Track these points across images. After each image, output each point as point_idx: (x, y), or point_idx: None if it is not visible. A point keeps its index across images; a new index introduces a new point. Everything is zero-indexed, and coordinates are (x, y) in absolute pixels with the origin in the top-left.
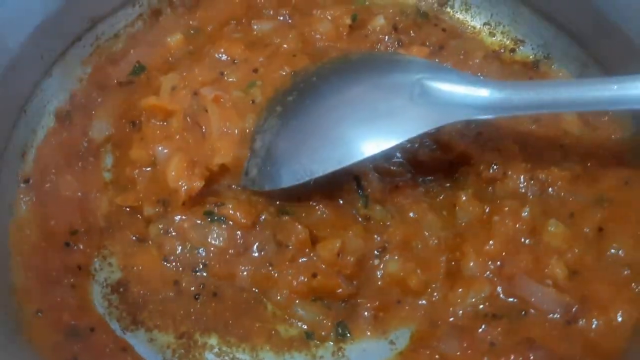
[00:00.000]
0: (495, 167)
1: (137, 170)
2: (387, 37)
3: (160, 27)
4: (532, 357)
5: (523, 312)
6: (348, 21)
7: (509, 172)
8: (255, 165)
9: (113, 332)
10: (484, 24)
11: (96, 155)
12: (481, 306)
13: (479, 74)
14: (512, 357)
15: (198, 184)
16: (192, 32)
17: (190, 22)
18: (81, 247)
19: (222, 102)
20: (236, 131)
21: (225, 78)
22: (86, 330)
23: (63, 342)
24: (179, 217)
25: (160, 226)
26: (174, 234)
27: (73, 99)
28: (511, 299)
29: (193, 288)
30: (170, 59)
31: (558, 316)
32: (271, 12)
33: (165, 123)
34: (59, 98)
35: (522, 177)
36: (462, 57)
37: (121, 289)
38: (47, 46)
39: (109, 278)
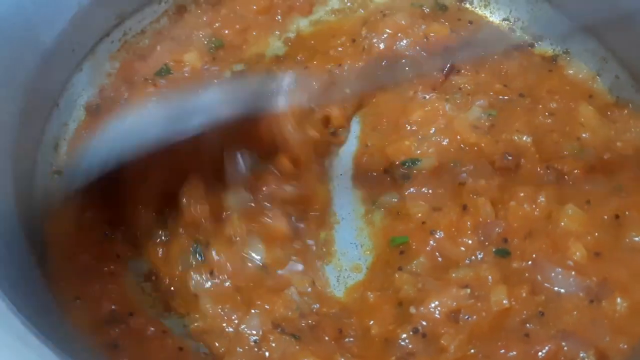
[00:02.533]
0: (508, 157)
1: None
2: None
3: (184, 23)
4: None
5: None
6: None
7: (523, 161)
8: None
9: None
10: (503, 19)
11: None
12: None
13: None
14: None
15: None
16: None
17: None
18: (120, 236)
19: None
20: None
21: None
22: (125, 315)
23: (102, 327)
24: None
25: (160, 232)
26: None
27: (102, 94)
28: None
29: None
30: None
31: (582, 294)
32: None
33: None
34: (89, 92)
35: (537, 167)
36: (482, 53)
37: (153, 278)
38: (77, 41)
39: (141, 267)
